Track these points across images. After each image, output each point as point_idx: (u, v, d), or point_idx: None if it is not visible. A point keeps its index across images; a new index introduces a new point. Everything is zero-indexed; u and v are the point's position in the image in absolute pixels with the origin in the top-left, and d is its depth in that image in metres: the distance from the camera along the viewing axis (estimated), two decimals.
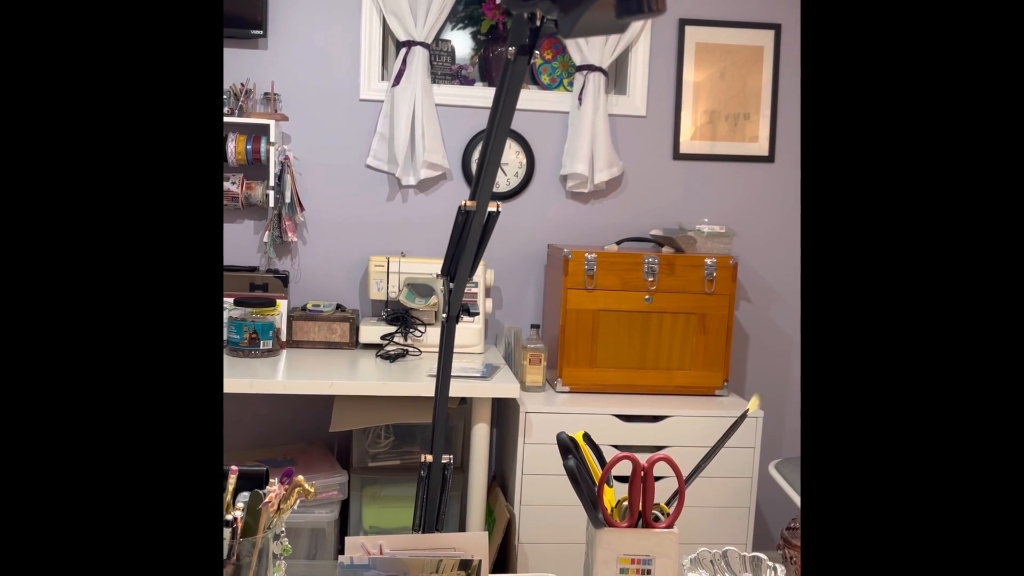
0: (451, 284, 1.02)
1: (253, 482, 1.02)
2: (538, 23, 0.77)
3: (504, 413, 2.61)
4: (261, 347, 2.37)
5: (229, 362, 2.30)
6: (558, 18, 0.69)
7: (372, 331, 2.52)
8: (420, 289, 2.59)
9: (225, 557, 0.98)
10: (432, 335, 2.54)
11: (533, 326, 2.52)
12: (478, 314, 0.92)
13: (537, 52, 2.74)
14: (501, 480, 2.63)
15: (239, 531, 0.98)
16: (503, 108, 0.81)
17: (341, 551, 2.52)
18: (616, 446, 2.30)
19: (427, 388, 2.18)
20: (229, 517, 0.97)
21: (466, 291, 0.98)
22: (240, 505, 0.99)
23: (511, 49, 0.79)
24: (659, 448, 2.34)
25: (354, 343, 2.54)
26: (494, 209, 0.94)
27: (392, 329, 2.53)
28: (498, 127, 0.83)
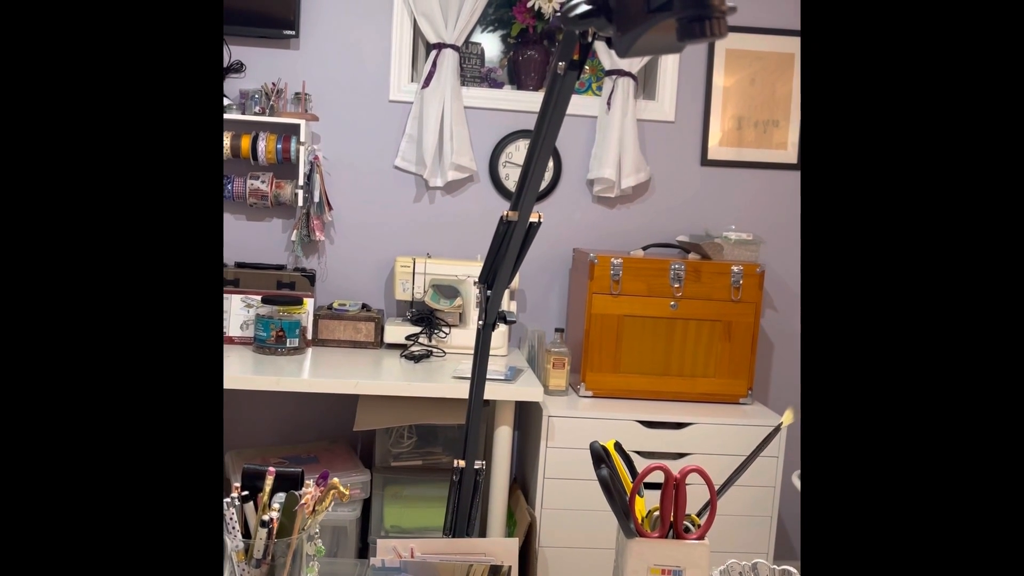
0: (488, 292, 1.02)
1: (289, 483, 1.03)
2: (590, 39, 0.77)
3: (526, 416, 2.62)
4: (287, 345, 2.39)
5: (255, 359, 2.32)
6: (613, 37, 0.69)
7: (397, 331, 2.54)
8: (445, 290, 2.60)
9: (260, 557, 1.00)
10: (456, 336, 2.55)
11: (557, 330, 2.52)
12: (515, 322, 0.93)
13: None
14: (522, 483, 2.63)
15: (275, 531, 0.99)
16: (549, 122, 0.81)
17: (363, 549, 2.54)
18: (639, 452, 2.30)
19: (451, 389, 2.19)
20: (265, 518, 0.98)
21: None
22: (276, 506, 1.00)
23: (561, 64, 0.79)
24: (682, 455, 2.33)
25: (379, 343, 2.55)
26: (535, 220, 0.95)
27: (417, 330, 2.54)
28: (544, 141, 0.83)
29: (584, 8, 0.73)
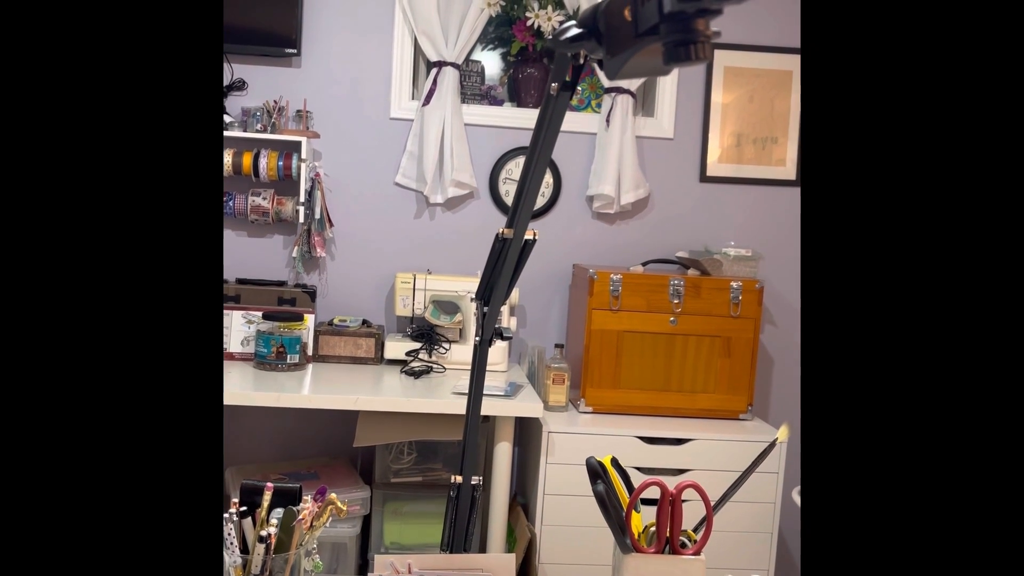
0: (485, 308, 1.03)
1: (287, 498, 1.03)
2: (582, 61, 0.79)
3: (526, 432, 2.62)
4: (288, 361, 2.40)
5: (256, 375, 2.33)
6: (603, 60, 0.70)
7: (397, 347, 2.55)
8: (445, 306, 2.61)
9: (258, 573, 1.00)
10: (456, 352, 2.56)
11: (557, 345, 2.53)
12: (511, 338, 0.94)
13: None
14: (522, 500, 2.63)
15: (272, 547, 1.00)
16: (543, 141, 0.83)
17: (362, 566, 2.53)
18: (639, 468, 2.30)
19: (451, 405, 2.19)
20: (263, 533, 0.99)
21: None
22: (274, 521, 1.01)
23: (554, 85, 0.81)
24: (682, 471, 2.33)
25: (379, 358, 2.56)
26: (530, 237, 0.96)
27: (417, 345, 2.55)
28: (538, 159, 0.85)
29: (575, 31, 0.75)
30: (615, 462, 1.11)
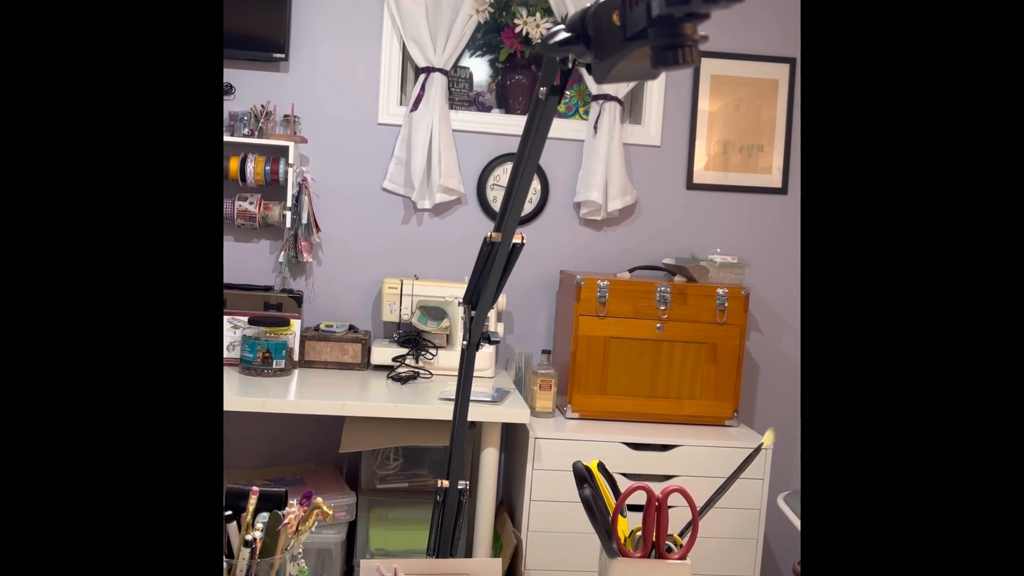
0: (473, 312, 1.03)
1: (273, 503, 1.03)
2: (570, 65, 0.79)
3: (513, 438, 2.62)
4: (274, 366, 2.39)
5: (242, 380, 2.32)
6: (592, 64, 0.71)
7: (384, 352, 2.54)
8: (432, 312, 2.60)
9: None
10: (443, 358, 2.55)
11: (544, 351, 2.53)
12: (499, 342, 0.93)
13: None
14: (508, 505, 2.63)
15: (258, 551, 0.99)
16: (532, 146, 0.83)
17: (348, 573, 2.51)
18: (625, 474, 2.30)
19: (437, 411, 2.19)
20: (249, 537, 0.98)
21: None
22: (259, 525, 1.01)
23: (542, 89, 0.81)
24: (668, 477, 2.34)
25: (366, 364, 2.55)
26: (518, 241, 0.96)
27: (404, 351, 2.54)
28: (526, 164, 0.85)
29: (564, 36, 0.75)
30: (602, 467, 1.11)
